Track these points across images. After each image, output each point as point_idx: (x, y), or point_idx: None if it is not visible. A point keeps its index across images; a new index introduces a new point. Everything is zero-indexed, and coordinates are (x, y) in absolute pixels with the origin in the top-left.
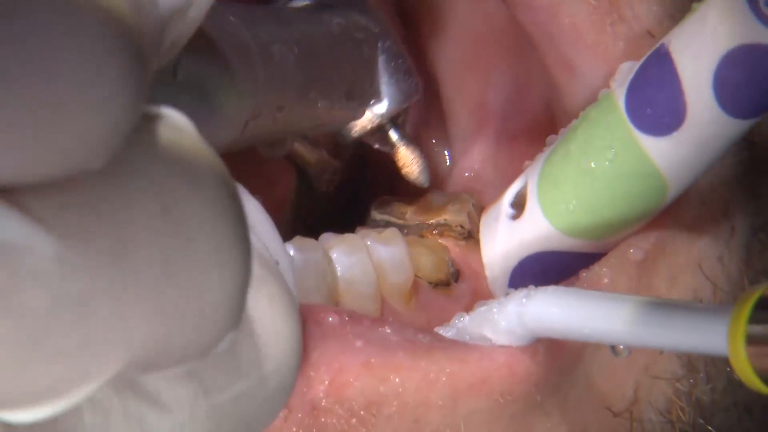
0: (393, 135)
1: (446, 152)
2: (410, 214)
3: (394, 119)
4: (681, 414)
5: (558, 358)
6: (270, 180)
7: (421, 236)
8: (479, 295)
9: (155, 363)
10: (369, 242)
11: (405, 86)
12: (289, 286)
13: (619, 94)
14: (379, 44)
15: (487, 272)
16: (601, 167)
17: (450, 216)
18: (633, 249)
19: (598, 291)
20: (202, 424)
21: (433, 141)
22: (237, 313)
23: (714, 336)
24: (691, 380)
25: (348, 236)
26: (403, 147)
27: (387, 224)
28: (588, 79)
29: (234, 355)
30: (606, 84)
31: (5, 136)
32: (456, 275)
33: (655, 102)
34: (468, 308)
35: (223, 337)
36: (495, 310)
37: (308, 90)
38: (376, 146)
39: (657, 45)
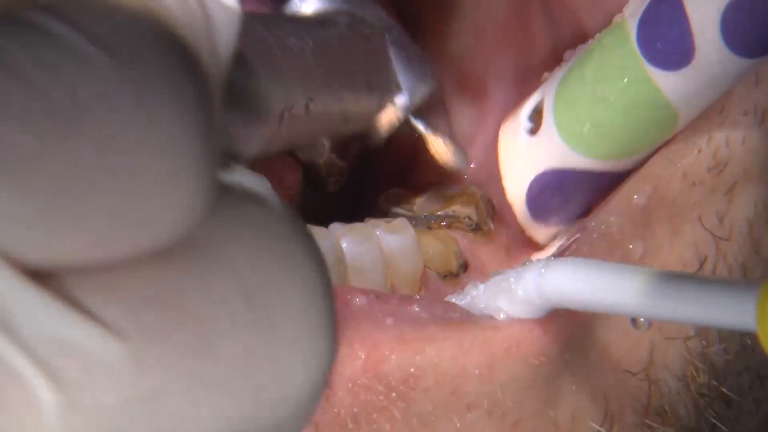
0: (419, 126)
1: None
2: (418, 205)
3: (417, 110)
4: (696, 375)
5: (579, 314)
6: (277, 179)
7: (429, 227)
8: None
9: None
10: (378, 232)
11: (421, 74)
12: None
13: (631, 25)
14: (387, 37)
15: (505, 183)
16: (613, 95)
17: (458, 208)
18: (637, 195)
19: (617, 263)
20: None
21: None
22: (318, 395)
23: (742, 311)
24: (704, 341)
25: (358, 225)
26: (432, 136)
27: (395, 215)
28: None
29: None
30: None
31: (74, 221)
32: (464, 266)
33: (665, 38)
34: None
35: (305, 417)
36: (512, 279)
37: (332, 81)
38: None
39: None
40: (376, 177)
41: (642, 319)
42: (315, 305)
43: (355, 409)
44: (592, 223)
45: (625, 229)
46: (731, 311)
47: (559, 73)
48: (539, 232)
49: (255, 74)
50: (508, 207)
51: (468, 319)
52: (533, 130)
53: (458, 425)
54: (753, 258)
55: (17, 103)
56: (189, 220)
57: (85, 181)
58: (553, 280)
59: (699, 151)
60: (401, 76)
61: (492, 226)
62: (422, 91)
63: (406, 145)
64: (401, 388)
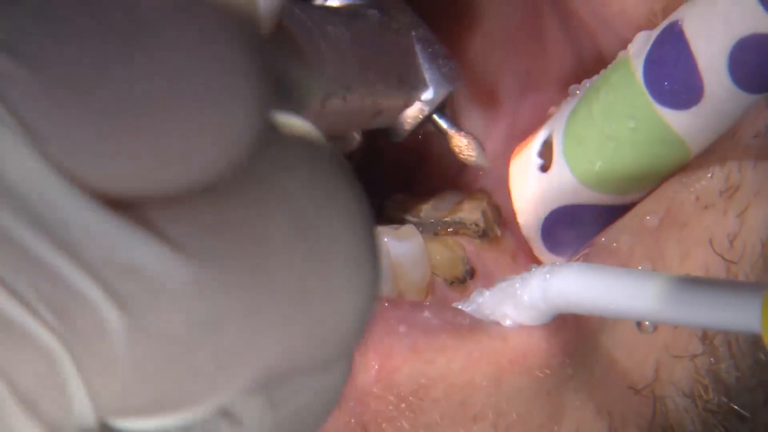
0: (442, 122)
1: None
2: (425, 211)
3: (439, 106)
4: (703, 393)
5: (584, 328)
6: None
7: (436, 234)
8: None
9: (276, 378)
10: (386, 238)
11: (446, 70)
12: None
13: (636, 64)
14: (413, 33)
15: (520, 219)
16: (624, 134)
17: (465, 214)
18: (649, 216)
19: (623, 267)
20: None
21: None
22: (363, 327)
23: (747, 313)
24: (712, 359)
25: None
26: (455, 132)
27: (402, 221)
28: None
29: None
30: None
31: (139, 146)
32: (471, 273)
33: (673, 78)
34: None
35: (349, 350)
36: (518, 285)
37: (367, 73)
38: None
39: (670, 20)
40: (379, 183)
41: (647, 323)
42: (361, 238)
43: (366, 419)
44: (603, 239)
45: (635, 249)
46: (736, 314)
47: (566, 108)
48: (557, 262)
49: (297, 58)
50: (514, 213)
51: (477, 326)
52: (544, 167)
53: None
54: (766, 277)
55: (80, 22)
56: (244, 150)
57: (147, 103)
58: (558, 284)
59: (712, 176)
60: (427, 72)
61: (499, 232)
62: (447, 88)
63: (410, 150)
64: (411, 398)
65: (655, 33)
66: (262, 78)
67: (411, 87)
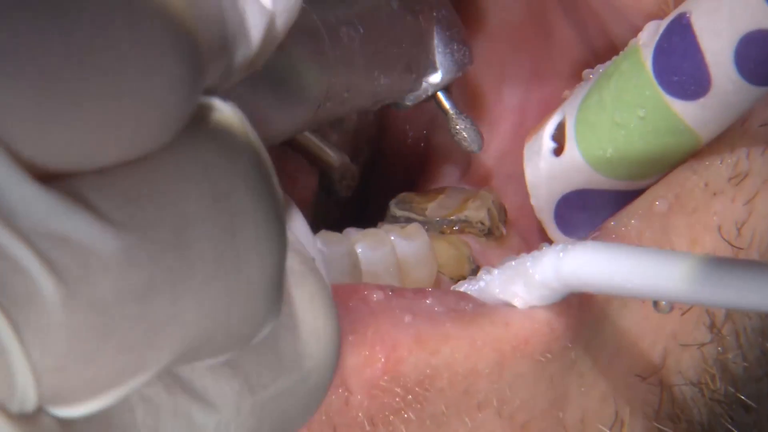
0: (445, 102)
1: None
2: (431, 210)
3: (445, 87)
4: (710, 381)
5: (588, 312)
6: (292, 181)
7: (442, 232)
8: None
9: (199, 353)
10: (393, 237)
11: (459, 56)
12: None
13: (646, 54)
14: (435, 14)
15: (533, 202)
16: (633, 123)
17: (470, 212)
18: (658, 201)
19: (637, 246)
20: (247, 421)
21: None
22: (277, 301)
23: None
24: (720, 348)
25: (372, 231)
26: (455, 115)
27: (407, 220)
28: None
29: (277, 352)
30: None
31: (71, 117)
32: (476, 271)
33: (681, 70)
34: None
35: (264, 325)
36: (528, 263)
37: (372, 69)
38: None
39: (679, 11)
40: (384, 181)
41: (664, 302)
42: (269, 213)
43: (373, 412)
44: (612, 223)
45: (643, 234)
46: (753, 292)
47: (580, 92)
48: None
49: (297, 60)
50: (520, 211)
51: (480, 311)
52: (557, 151)
53: (469, 425)
54: None
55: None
56: (173, 125)
57: (79, 73)
58: (572, 262)
59: (721, 162)
60: (439, 55)
61: (504, 230)
62: (455, 73)
63: (415, 149)
64: (417, 389)
65: (664, 24)
66: (193, 60)
67: (418, 74)
